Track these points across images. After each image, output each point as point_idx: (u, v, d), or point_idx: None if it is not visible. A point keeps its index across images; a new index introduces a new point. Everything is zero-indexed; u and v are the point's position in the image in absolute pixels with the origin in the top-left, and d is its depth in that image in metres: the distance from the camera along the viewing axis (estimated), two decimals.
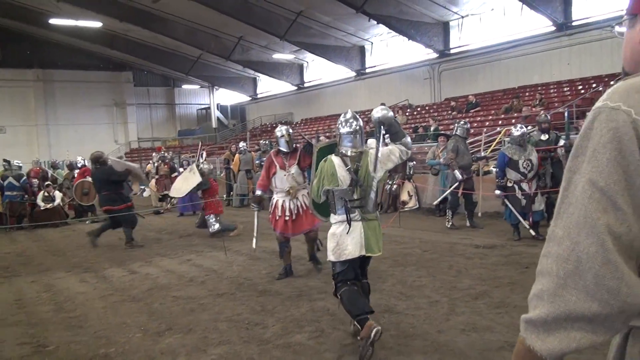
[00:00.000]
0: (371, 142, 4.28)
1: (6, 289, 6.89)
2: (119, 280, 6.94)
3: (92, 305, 5.80)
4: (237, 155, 15.21)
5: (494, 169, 11.38)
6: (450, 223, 9.40)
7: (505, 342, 4.02)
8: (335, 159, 4.19)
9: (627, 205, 1.08)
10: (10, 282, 7.29)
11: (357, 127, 4.25)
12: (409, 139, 4.40)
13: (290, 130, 6.55)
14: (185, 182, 10.01)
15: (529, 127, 10.26)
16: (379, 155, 4.03)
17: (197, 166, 10.16)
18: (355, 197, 4.11)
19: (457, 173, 9.25)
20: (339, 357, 3.98)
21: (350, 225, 4.08)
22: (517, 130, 8.03)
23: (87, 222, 13.51)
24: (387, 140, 4.37)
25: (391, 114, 4.29)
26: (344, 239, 4.08)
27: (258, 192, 6.65)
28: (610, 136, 1.10)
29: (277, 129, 6.59)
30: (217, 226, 9.74)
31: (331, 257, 4.17)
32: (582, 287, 1.09)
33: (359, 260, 4.15)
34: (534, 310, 1.16)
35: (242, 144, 15.74)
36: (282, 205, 6.31)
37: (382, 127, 4.14)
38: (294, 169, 6.31)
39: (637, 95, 1.12)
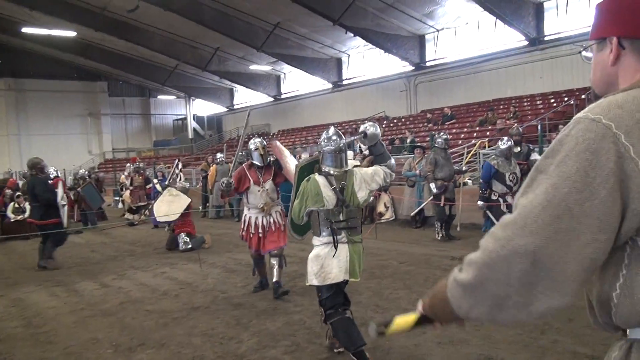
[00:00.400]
0: (352, 162, 4.24)
1: None
2: (91, 294, 6.78)
3: (62, 320, 5.66)
4: (213, 166, 15.07)
5: (469, 181, 11.51)
6: (440, 235, 9.38)
7: (481, 355, 4.03)
8: (319, 178, 3.99)
9: (583, 215, 1.09)
10: None
11: (341, 145, 4.10)
12: (393, 162, 4.33)
13: (265, 144, 6.33)
14: (171, 205, 9.78)
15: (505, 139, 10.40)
16: (364, 176, 4.02)
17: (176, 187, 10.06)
18: (341, 217, 3.95)
19: (433, 186, 9.30)
20: None
21: (336, 247, 3.91)
22: (504, 143, 8.08)
23: None
24: (366, 152, 4.36)
25: (379, 131, 4.24)
26: (329, 262, 3.91)
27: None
28: (585, 146, 1.11)
29: (251, 141, 6.34)
30: (189, 245, 9.58)
31: (314, 281, 3.97)
32: (503, 275, 1.14)
33: (344, 283, 4.00)
34: (463, 273, 1.23)
35: (219, 155, 15.62)
36: (255, 223, 6.09)
37: (364, 137, 4.12)
38: (268, 185, 6.08)
39: (619, 111, 1.14)
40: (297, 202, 4.03)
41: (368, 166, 4.24)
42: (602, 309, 1.23)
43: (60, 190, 9.22)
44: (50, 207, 8.77)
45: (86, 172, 15.92)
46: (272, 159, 6.24)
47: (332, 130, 4.23)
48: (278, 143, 6.32)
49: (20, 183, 15.88)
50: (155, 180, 13.56)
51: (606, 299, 1.20)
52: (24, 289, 7.35)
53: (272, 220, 6.10)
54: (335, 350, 4.21)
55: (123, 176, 16.37)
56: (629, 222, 1.11)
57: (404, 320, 1.45)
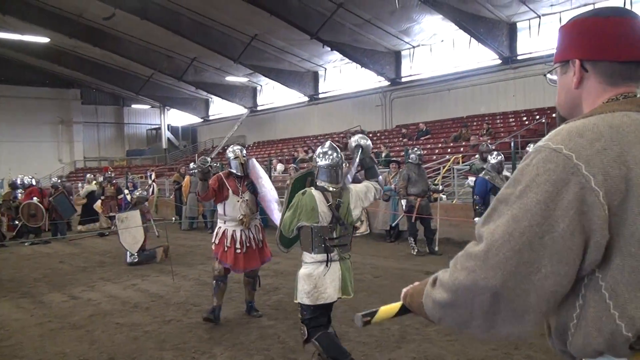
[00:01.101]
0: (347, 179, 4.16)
1: None
2: (59, 306, 6.60)
3: (28, 333, 5.48)
4: (187, 177, 14.88)
5: (443, 196, 11.60)
6: (416, 250, 9.38)
7: None
8: (316, 193, 3.85)
9: (543, 248, 1.08)
10: None
11: (338, 160, 3.96)
12: (381, 178, 4.28)
13: (245, 152, 5.89)
14: (131, 231, 9.63)
15: (476, 156, 10.55)
16: (359, 193, 3.98)
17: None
18: (334, 235, 3.84)
19: (403, 203, 9.34)
20: None
21: (329, 266, 3.81)
22: (494, 158, 7.97)
23: (26, 243, 12.89)
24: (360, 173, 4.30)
25: (370, 143, 4.19)
26: (322, 282, 3.78)
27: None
28: (545, 177, 1.10)
29: (230, 149, 5.88)
30: (136, 259, 9.39)
31: (305, 301, 3.80)
32: (466, 302, 1.16)
33: (332, 303, 3.90)
34: (435, 290, 1.26)
35: (192, 165, 15.46)
36: (233, 236, 5.56)
37: (359, 150, 4.07)
38: (248, 195, 5.63)
39: (579, 140, 1.12)
40: (290, 214, 3.86)
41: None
42: (558, 337, 1.23)
43: None
44: None
45: (59, 181, 15.58)
46: (248, 168, 5.81)
47: (328, 144, 4.09)
48: (256, 163, 5.91)
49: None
50: (126, 191, 13.39)
51: (563, 328, 1.20)
52: None
53: (251, 235, 5.64)
54: None
55: (86, 185, 15.97)
56: (592, 254, 1.10)
57: (388, 309, 1.52)
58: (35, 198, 13.35)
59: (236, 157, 5.72)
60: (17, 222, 13.55)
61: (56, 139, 35.46)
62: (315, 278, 3.80)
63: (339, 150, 4.06)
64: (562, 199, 1.08)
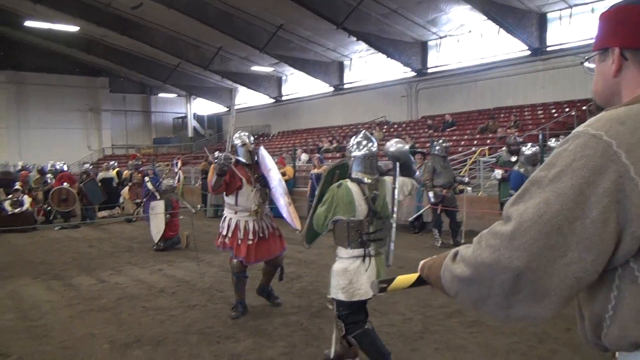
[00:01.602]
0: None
1: None
2: (87, 289, 6.77)
3: (58, 314, 5.64)
4: (212, 165, 15.13)
5: (469, 189, 11.49)
6: (440, 242, 9.33)
7: None
8: (352, 186, 3.72)
9: (572, 234, 1.07)
10: None
11: (373, 150, 3.84)
12: (418, 174, 4.16)
13: (252, 139, 5.59)
14: (158, 224, 9.81)
15: (503, 148, 10.41)
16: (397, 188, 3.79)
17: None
18: (371, 229, 3.74)
19: (431, 195, 9.27)
20: None
21: (365, 261, 3.71)
22: (529, 149, 7.72)
23: (56, 228, 13.21)
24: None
25: (407, 147, 4.04)
26: (358, 278, 3.68)
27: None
28: (582, 163, 1.08)
29: (237, 135, 5.54)
30: (161, 246, 9.58)
31: (340, 296, 3.72)
32: (486, 279, 1.16)
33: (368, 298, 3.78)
34: (455, 264, 1.28)
35: (217, 154, 15.65)
36: (245, 228, 5.32)
37: (397, 162, 3.86)
38: (260, 184, 5.39)
39: (620, 127, 1.10)
40: (324, 208, 3.71)
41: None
42: (592, 329, 1.21)
43: None
44: None
45: (90, 167, 15.88)
46: (257, 158, 5.51)
47: (362, 134, 3.98)
48: (266, 153, 5.58)
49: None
50: (146, 179, 13.53)
51: (597, 320, 1.19)
52: (20, 281, 7.33)
53: (264, 225, 5.41)
54: None
55: (127, 171, 16.29)
56: (627, 245, 1.08)
57: (404, 279, 1.54)
58: (66, 183, 13.67)
59: (244, 144, 5.46)
60: (47, 207, 13.89)
61: (85, 126, 36.06)
62: (351, 273, 3.69)
63: (374, 139, 3.95)
64: (598, 185, 1.06)
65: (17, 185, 13.72)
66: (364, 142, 3.86)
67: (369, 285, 3.61)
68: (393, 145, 3.93)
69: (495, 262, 1.13)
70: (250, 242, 5.29)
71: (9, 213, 12.96)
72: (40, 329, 5.16)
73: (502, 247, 1.12)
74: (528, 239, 1.09)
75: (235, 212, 5.40)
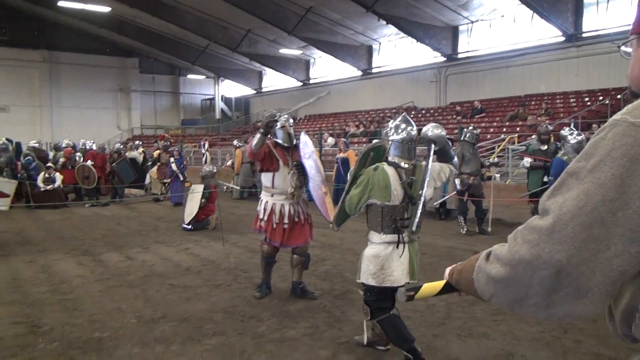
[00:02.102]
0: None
1: (3, 267, 6.88)
2: (116, 266, 6.93)
3: (88, 289, 5.80)
4: (238, 149, 15.43)
5: (497, 175, 11.36)
6: (465, 229, 9.27)
7: (502, 350, 4.01)
8: (389, 169, 3.63)
9: (615, 225, 1.03)
10: (7, 261, 7.28)
11: (412, 134, 3.75)
12: (456, 159, 4.10)
13: (292, 122, 5.49)
14: (192, 206, 9.96)
15: (533, 136, 10.25)
16: (432, 172, 3.73)
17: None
18: (406, 215, 3.66)
19: (457, 182, 9.18)
20: (334, 355, 3.97)
21: (399, 247, 3.64)
22: (574, 138, 7.52)
23: (86, 205, 13.51)
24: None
25: (444, 132, 3.93)
26: (390, 264, 3.63)
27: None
28: (622, 151, 1.04)
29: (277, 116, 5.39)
30: (189, 227, 9.73)
31: (370, 281, 3.67)
32: (525, 278, 1.11)
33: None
34: (489, 264, 1.22)
35: (235, 142, 16.97)
36: (281, 211, 5.25)
37: (433, 145, 3.79)
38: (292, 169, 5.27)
39: None
40: (358, 191, 3.64)
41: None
42: (624, 320, 1.17)
43: None
44: None
45: (121, 147, 16.16)
46: (297, 142, 5.37)
47: (401, 117, 3.88)
48: (308, 139, 5.45)
49: (51, 154, 16.24)
50: (171, 159, 13.69)
51: (631, 311, 1.15)
52: (52, 256, 7.54)
53: (300, 209, 5.35)
54: (379, 348, 4.01)
55: (157, 151, 16.56)
56: None
57: (431, 287, 1.50)
58: (89, 161, 13.93)
59: (283, 127, 5.33)
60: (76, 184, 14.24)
61: (115, 106, 36.64)
62: (383, 259, 3.64)
63: (413, 123, 3.85)
64: (639, 175, 1.03)
65: (61, 161, 14.08)
66: (403, 126, 3.77)
67: (401, 273, 3.62)
68: (430, 129, 3.84)
69: (534, 258, 1.09)
70: (286, 226, 5.26)
71: (42, 190, 13.28)
72: (70, 302, 5.31)
73: (542, 242, 1.08)
74: (569, 232, 1.05)
75: (272, 195, 5.33)
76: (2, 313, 4.95)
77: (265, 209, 5.33)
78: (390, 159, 3.73)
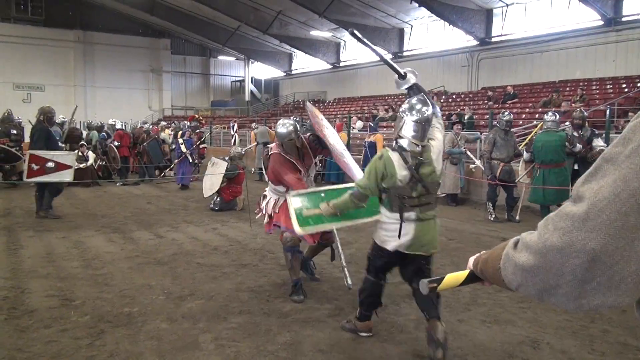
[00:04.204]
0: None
1: (37, 242, 7.09)
2: (146, 243, 7.07)
3: (118, 265, 5.94)
4: (252, 132, 15.61)
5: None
6: (493, 216, 9.15)
7: (527, 337, 3.98)
8: (393, 155, 3.65)
9: None
10: (42, 236, 7.50)
11: (427, 115, 3.65)
12: (438, 109, 3.99)
13: (298, 127, 5.02)
14: (213, 181, 10.03)
15: (567, 123, 10.02)
16: (438, 145, 3.78)
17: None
18: (414, 195, 3.64)
19: (487, 167, 9.07)
20: (357, 336, 4.00)
21: (401, 227, 3.65)
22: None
23: (117, 184, 13.79)
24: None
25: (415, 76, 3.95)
26: (391, 236, 3.72)
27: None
28: None
29: (282, 122, 4.92)
30: (217, 207, 9.83)
31: (375, 239, 3.88)
32: (556, 266, 1.07)
33: (398, 259, 3.81)
34: (518, 252, 1.17)
35: (254, 125, 17.21)
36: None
37: (401, 78, 3.92)
38: (312, 171, 5.16)
39: None
40: (368, 177, 3.73)
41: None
42: None
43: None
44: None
45: (151, 127, 16.36)
46: (307, 136, 5.12)
47: (416, 97, 3.76)
48: (312, 108, 5.33)
49: (85, 133, 16.57)
50: (180, 140, 13.59)
51: None
52: (84, 232, 7.73)
53: None
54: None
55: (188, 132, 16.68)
56: None
57: (454, 277, 1.46)
58: (116, 142, 14.14)
59: (290, 140, 4.84)
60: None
61: (147, 87, 37.13)
62: (385, 230, 3.76)
63: (430, 103, 3.74)
64: None
65: (116, 143, 14.28)
66: (418, 106, 3.68)
67: (398, 246, 3.70)
68: (407, 79, 3.94)
69: (567, 246, 1.05)
70: None
71: (75, 168, 13.57)
72: (101, 277, 5.46)
73: (575, 229, 1.04)
74: (604, 219, 1.01)
75: (279, 195, 5.02)
76: (36, 286, 5.11)
77: (276, 203, 5.03)
78: (400, 141, 3.70)
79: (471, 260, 1.41)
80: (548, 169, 8.37)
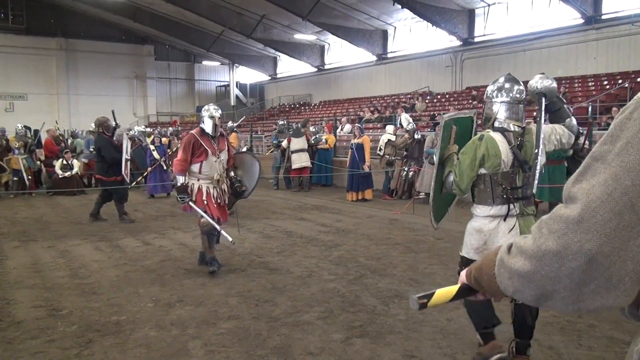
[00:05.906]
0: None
1: (23, 252, 7.02)
2: (133, 251, 7.03)
3: (105, 273, 5.89)
4: (233, 133, 14.95)
5: None
6: None
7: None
8: (496, 135, 3.31)
9: None
10: (27, 246, 7.43)
11: (521, 94, 3.40)
12: (574, 121, 3.59)
13: (220, 113, 6.04)
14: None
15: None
16: (545, 134, 3.34)
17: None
18: (518, 183, 3.32)
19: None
20: (347, 338, 4.01)
21: (506, 221, 3.30)
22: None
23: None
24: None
25: (555, 85, 3.56)
26: (495, 239, 3.30)
27: (181, 179, 5.75)
28: None
29: (206, 108, 5.97)
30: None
31: (472, 256, 3.40)
32: (553, 271, 1.05)
33: None
34: (512, 257, 1.14)
35: (229, 123, 16.52)
36: (208, 191, 5.82)
37: (543, 99, 3.43)
38: (223, 155, 5.91)
39: None
40: (466, 165, 3.32)
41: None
42: (635, 301, 1.12)
43: (125, 147, 9.54)
44: (114, 165, 9.17)
45: (136, 134, 16.26)
46: (222, 130, 6.12)
47: (504, 77, 3.52)
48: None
49: (70, 141, 16.44)
50: (151, 147, 13.23)
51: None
52: (70, 241, 7.66)
53: (221, 191, 5.95)
54: (476, 351, 3.70)
55: (165, 139, 16.56)
56: None
57: (445, 292, 1.41)
58: None
59: (212, 117, 5.83)
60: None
61: (131, 94, 36.86)
62: (486, 235, 3.38)
63: (519, 81, 3.49)
64: None
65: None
66: (508, 85, 3.41)
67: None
68: (538, 81, 3.50)
69: (563, 249, 1.02)
70: (220, 202, 5.90)
71: (60, 176, 13.47)
72: (89, 286, 5.41)
73: (570, 231, 1.02)
74: (599, 219, 0.99)
75: (198, 179, 5.84)
76: (22, 297, 5.06)
77: (192, 190, 5.81)
78: (496, 124, 3.41)
79: (463, 274, 1.38)
80: (552, 165, 8.33)
